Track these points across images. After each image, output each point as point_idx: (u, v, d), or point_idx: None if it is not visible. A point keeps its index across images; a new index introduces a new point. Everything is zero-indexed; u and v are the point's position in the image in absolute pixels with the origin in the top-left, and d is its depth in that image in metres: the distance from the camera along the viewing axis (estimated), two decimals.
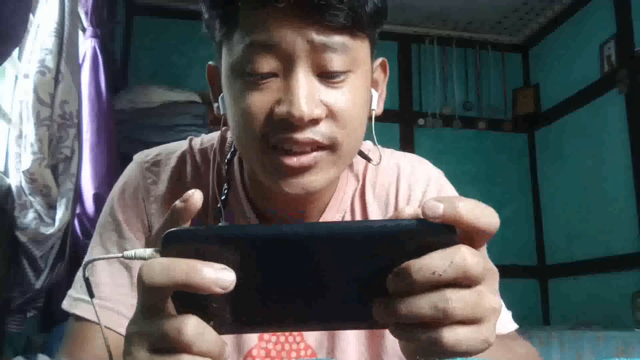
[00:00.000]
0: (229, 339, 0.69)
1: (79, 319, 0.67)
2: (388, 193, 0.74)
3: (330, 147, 0.58)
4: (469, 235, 0.38)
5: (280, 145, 0.57)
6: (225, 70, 0.60)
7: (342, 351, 0.69)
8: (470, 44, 4.13)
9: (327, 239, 0.36)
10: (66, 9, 1.91)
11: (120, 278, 0.67)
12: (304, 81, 0.55)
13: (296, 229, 0.37)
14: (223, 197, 0.69)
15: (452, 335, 0.36)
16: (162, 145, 0.76)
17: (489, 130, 4.03)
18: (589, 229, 3.41)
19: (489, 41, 4.15)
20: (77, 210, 2.12)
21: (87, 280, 0.43)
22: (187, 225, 0.40)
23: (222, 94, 0.64)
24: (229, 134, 0.74)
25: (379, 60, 0.67)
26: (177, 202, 0.39)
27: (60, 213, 1.83)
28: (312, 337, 0.70)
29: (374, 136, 0.67)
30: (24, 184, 1.75)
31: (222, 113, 0.64)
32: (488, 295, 0.38)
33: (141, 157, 0.74)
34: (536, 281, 3.86)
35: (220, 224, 0.68)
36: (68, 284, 0.72)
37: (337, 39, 0.55)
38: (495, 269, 0.40)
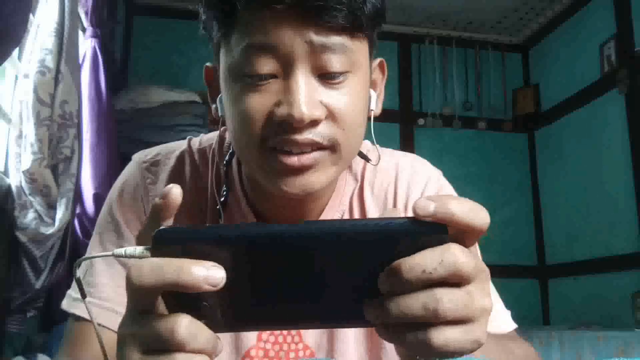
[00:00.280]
0: (227, 339, 0.69)
1: (78, 319, 0.67)
2: (387, 193, 0.74)
3: (330, 147, 0.57)
4: (460, 234, 0.38)
5: (279, 147, 0.57)
6: (224, 71, 0.60)
7: (341, 352, 0.69)
8: (470, 44, 4.13)
9: (318, 238, 0.36)
10: (66, 9, 1.91)
11: (119, 278, 0.67)
12: (304, 82, 0.55)
13: (287, 227, 0.37)
14: (222, 199, 0.69)
15: (441, 335, 0.36)
16: (161, 145, 0.76)
17: (489, 130, 4.03)
18: (589, 229, 3.41)
19: (489, 41, 4.15)
20: (77, 210, 2.12)
21: (78, 280, 0.43)
22: (170, 221, 0.40)
23: (220, 95, 0.63)
24: (227, 135, 0.74)
25: (377, 60, 0.67)
26: (157, 200, 0.39)
27: (60, 213, 1.83)
28: (311, 338, 0.70)
29: (373, 136, 0.66)
30: (24, 184, 1.75)
31: (220, 114, 0.64)
32: (479, 295, 0.38)
33: (140, 156, 0.74)
34: (536, 281, 3.86)
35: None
36: (68, 284, 0.72)
37: (336, 40, 0.55)
38: (487, 269, 0.40)
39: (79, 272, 0.44)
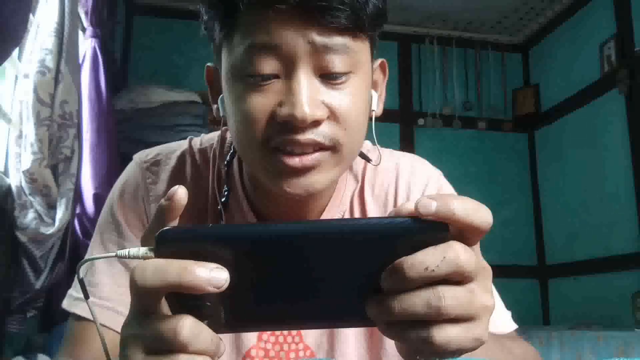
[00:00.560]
0: (228, 339, 0.69)
1: (79, 318, 0.67)
2: (387, 193, 0.74)
3: (332, 148, 0.58)
4: (462, 233, 0.38)
5: (281, 147, 0.57)
6: (226, 72, 0.60)
7: (342, 352, 0.69)
8: (470, 44, 4.13)
9: (321, 237, 0.36)
10: (66, 9, 1.91)
11: (120, 278, 0.67)
12: (306, 82, 0.55)
13: (290, 227, 0.37)
14: (223, 199, 0.69)
15: (443, 333, 0.37)
16: (162, 145, 0.76)
17: (489, 130, 4.03)
18: (589, 229, 3.41)
19: (489, 41, 4.15)
20: (77, 210, 2.12)
21: (81, 282, 0.43)
22: (175, 222, 0.40)
23: (221, 96, 0.63)
24: (228, 134, 0.74)
25: (379, 61, 0.67)
26: (162, 201, 0.39)
27: (60, 213, 1.83)
28: (311, 338, 0.70)
29: (374, 137, 0.67)
30: (24, 184, 1.75)
31: (221, 115, 0.64)
32: (481, 293, 0.38)
33: (141, 156, 0.74)
34: (536, 281, 3.86)
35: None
36: (68, 284, 0.72)
37: (339, 40, 0.55)
38: (489, 268, 0.40)
39: (82, 273, 0.44)
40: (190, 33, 3.42)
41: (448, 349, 0.37)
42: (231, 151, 0.71)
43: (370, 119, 0.65)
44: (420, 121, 3.93)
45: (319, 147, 0.57)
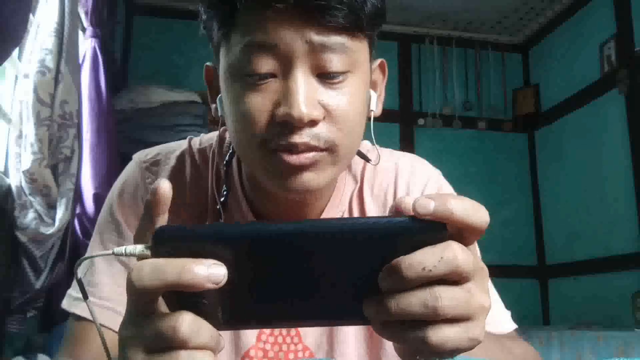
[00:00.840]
0: (227, 339, 0.68)
1: (78, 318, 0.67)
2: (386, 193, 0.74)
3: (328, 149, 0.57)
4: (460, 233, 0.38)
5: (279, 147, 0.57)
6: (224, 71, 0.60)
7: (341, 353, 0.69)
8: (470, 44, 4.13)
9: (318, 236, 0.36)
10: (66, 9, 1.92)
11: (120, 278, 0.67)
12: (303, 82, 0.55)
13: (287, 226, 0.37)
14: (222, 199, 0.69)
15: (440, 333, 0.37)
16: (161, 145, 0.76)
17: (489, 130, 4.03)
18: (589, 229, 3.41)
19: (489, 41, 4.15)
20: (77, 210, 2.12)
21: (80, 281, 0.43)
22: (165, 217, 0.40)
23: (220, 95, 0.63)
24: (227, 134, 0.74)
25: (378, 61, 0.67)
26: (148, 197, 0.39)
27: (60, 213, 1.83)
28: (311, 339, 0.70)
29: (373, 137, 0.66)
30: (24, 184, 1.75)
31: (220, 114, 0.64)
32: (478, 293, 0.38)
33: (140, 156, 0.74)
34: (536, 281, 3.86)
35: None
36: (68, 284, 0.72)
37: (336, 40, 0.55)
38: (486, 268, 0.40)
39: (80, 272, 0.44)
40: (190, 33, 3.41)
41: (444, 349, 0.37)
42: (230, 151, 0.71)
43: (369, 119, 0.65)
44: (420, 121, 3.93)
45: (315, 149, 0.57)
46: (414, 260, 0.36)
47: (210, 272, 0.35)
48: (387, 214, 0.43)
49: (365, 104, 0.62)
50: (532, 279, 3.86)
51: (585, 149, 3.49)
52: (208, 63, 0.67)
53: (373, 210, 0.73)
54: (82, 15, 2.42)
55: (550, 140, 3.88)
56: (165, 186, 0.39)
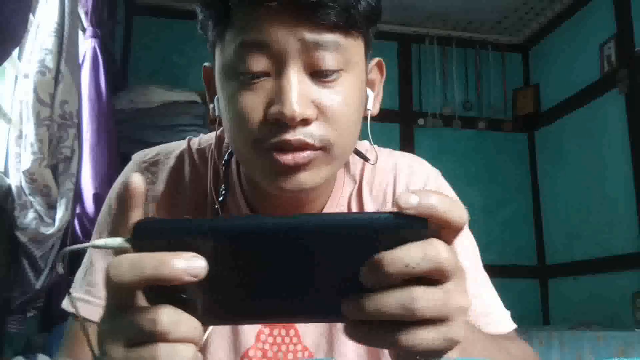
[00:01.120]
0: (226, 339, 0.68)
1: (78, 318, 0.67)
2: (385, 193, 0.74)
3: (323, 148, 0.57)
4: (439, 230, 0.38)
5: (273, 148, 0.56)
6: (218, 70, 0.60)
7: (341, 353, 0.69)
8: (470, 44, 4.13)
9: (299, 232, 0.36)
10: (66, 9, 1.92)
11: None
12: (296, 80, 0.55)
13: (269, 220, 0.36)
14: (220, 199, 0.69)
15: (412, 336, 0.36)
16: (161, 145, 0.76)
17: (489, 130, 4.03)
18: (589, 229, 3.41)
19: (489, 41, 4.15)
20: (77, 210, 2.12)
21: (61, 276, 0.43)
22: (139, 211, 0.40)
23: (217, 96, 0.63)
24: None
25: (375, 60, 0.67)
26: (121, 191, 0.39)
27: (60, 213, 1.83)
28: (310, 339, 0.69)
29: (370, 136, 0.66)
30: (24, 184, 1.75)
31: (217, 114, 0.64)
32: (456, 294, 0.38)
33: (140, 156, 0.74)
34: (536, 281, 3.86)
35: None
36: (68, 284, 0.72)
37: (329, 38, 0.55)
38: (464, 269, 0.40)
39: (60, 267, 0.44)
40: (190, 33, 3.41)
41: (417, 350, 0.37)
42: (229, 151, 0.71)
43: (366, 118, 0.64)
44: (420, 121, 3.93)
45: (309, 147, 0.56)
46: (397, 257, 0.36)
47: (189, 265, 0.35)
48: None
49: (361, 102, 0.61)
50: (532, 279, 3.86)
51: (585, 149, 3.49)
52: (206, 64, 0.68)
53: (372, 210, 0.73)
54: (82, 15, 2.42)
55: (550, 140, 3.88)
56: (136, 180, 0.39)
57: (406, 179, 0.74)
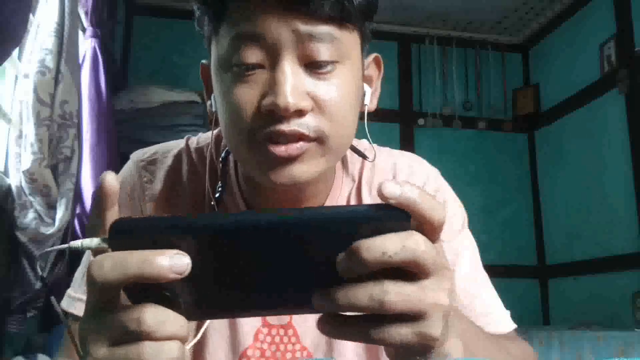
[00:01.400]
0: (224, 339, 0.68)
1: (77, 319, 0.67)
2: None
3: (317, 139, 0.57)
4: (419, 228, 0.38)
5: (267, 139, 0.56)
6: (214, 64, 0.60)
7: (340, 352, 0.69)
8: (470, 44, 4.13)
9: (279, 226, 0.36)
10: (66, 9, 1.92)
11: None
12: (290, 72, 0.55)
13: (248, 216, 0.36)
14: (217, 196, 0.69)
15: (383, 331, 0.37)
16: (159, 144, 0.76)
17: (489, 130, 4.03)
18: (589, 229, 3.41)
19: (489, 41, 4.15)
20: (77, 210, 2.11)
21: (42, 278, 0.43)
22: (115, 210, 0.39)
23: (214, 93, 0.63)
24: None
25: (373, 55, 0.66)
26: (95, 191, 0.39)
27: (60, 213, 1.83)
28: (309, 339, 0.69)
29: (367, 133, 0.65)
30: (24, 184, 1.75)
31: (214, 111, 0.63)
32: (433, 291, 0.37)
33: (138, 155, 0.74)
34: (536, 281, 3.86)
35: None
36: (68, 284, 0.72)
37: (323, 29, 0.55)
38: (450, 269, 0.39)
39: (40, 269, 0.44)
40: (190, 33, 3.40)
41: (388, 344, 0.37)
42: (227, 148, 0.71)
43: (363, 113, 0.64)
44: (420, 121, 3.93)
45: (303, 138, 0.56)
46: (375, 244, 0.35)
47: (173, 262, 0.35)
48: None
49: (357, 96, 0.61)
50: (532, 279, 3.86)
51: (585, 149, 3.49)
52: (204, 61, 0.67)
53: None
54: (82, 15, 2.42)
55: (550, 140, 3.88)
56: (110, 179, 0.38)
57: (405, 178, 0.74)
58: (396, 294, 0.36)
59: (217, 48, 0.59)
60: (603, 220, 3.29)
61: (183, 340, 0.37)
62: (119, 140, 2.50)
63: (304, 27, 0.54)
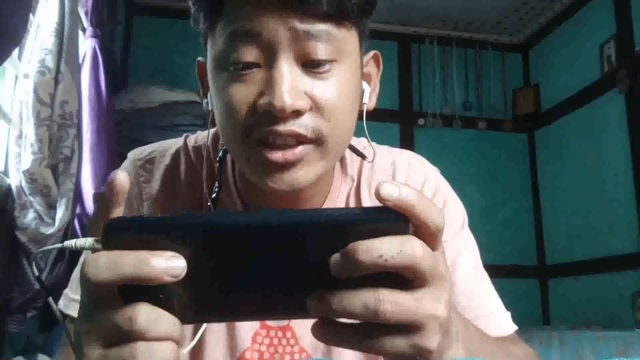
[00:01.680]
0: (222, 341, 0.68)
1: (74, 319, 0.67)
2: None
3: (316, 140, 0.56)
4: (418, 232, 0.37)
5: (264, 139, 0.55)
6: (210, 62, 0.59)
7: (339, 355, 0.68)
8: (470, 44, 4.13)
9: (277, 228, 0.35)
10: (66, 9, 1.91)
11: None
12: (287, 71, 0.54)
13: (244, 217, 0.35)
14: (214, 195, 0.68)
15: (377, 340, 0.36)
16: (157, 143, 0.75)
17: (489, 130, 4.03)
18: (589, 229, 3.41)
19: (489, 41, 4.15)
20: (77, 210, 2.11)
21: (38, 278, 0.43)
22: (121, 210, 0.39)
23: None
24: None
25: (371, 53, 0.65)
26: (102, 188, 0.39)
27: (60, 213, 1.83)
28: (307, 341, 0.68)
29: (366, 132, 0.64)
30: (24, 184, 1.75)
31: (210, 109, 0.62)
32: (429, 301, 0.36)
33: (135, 154, 0.73)
34: (536, 281, 3.86)
35: None
36: (68, 284, 0.71)
37: (321, 27, 0.54)
38: (447, 279, 0.38)
39: (36, 268, 0.43)
40: (190, 33, 3.39)
41: (381, 354, 0.36)
42: (224, 147, 0.70)
43: (362, 112, 0.63)
44: (420, 121, 3.93)
45: (301, 139, 0.55)
46: (372, 246, 0.34)
47: (168, 265, 0.34)
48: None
49: (356, 95, 0.60)
50: (532, 279, 3.86)
51: (585, 149, 3.49)
52: (200, 58, 0.66)
53: None
54: (82, 15, 2.42)
55: (550, 140, 3.88)
56: (121, 178, 0.38)
57: (405, 177, 0.73)
58: (391, 303, 0.35)
59: (213, 46, 0.58)
60: (603, 220, 3.29)
61: (177, 341, 0.36)
62: (119, 140, 2.50)
63: (301, 25, 0.53)
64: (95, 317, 0.36)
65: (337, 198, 0.71)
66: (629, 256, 3.07)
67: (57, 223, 1.80)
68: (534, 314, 3.76)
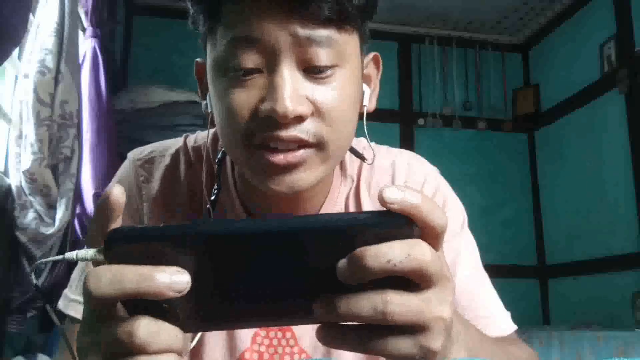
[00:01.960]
0: (221, 342, 0.67)
1: (74, 320, 0.66)
2: None
3: (317, 145, 0.56)
4: (423, 234, 0.37)
5: (265, 143, 0.55)
6: (210, 66, 0.58)
7: (338, 355, 0.68)
8: (470, 44, 4.13)
9: (281, 234, 0.34)
10: (66, 9, 1.91)
11: None
12: (288, 77, 0.53)
13: (247, 224, 0.35)
14: (213, 197, 0.67)
15: (384, 342, 0.36)
16: (157, 143, 0.75)
17: (489, 130, 4.03)
18: (589, 229, 3.41)
19: (489, 41, 4.15)
20: (77, 210, 2.11)
21: (37, 286, 0.42)
22: (118, 222, 0.38)
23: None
24: None
25: (371, 54, 0.65)
26: (99, 202, 0.38)
27: (60, 213, 1.83)
28: (307, 342, 0.68)
29: (366, 133, 0.64)
30: (24, 184, 1.75)
31: (209, 111, 0.62)
32: (436, 303, 0.36)
33: (135, 154, 0.73)
34: (536, 281, 3.86)
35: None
36: (67, 284, 0.71)
37: (322, 33, 0.53)
38: (452, 280, 0.38)
39: (34, 277, 0.43)
40: (190, 33, 3.39)
41: (387, 355, 0.36)
42: (223, 148, 0.69)
43: (362, 114, 0.63)
44: (420, 121, 3.93)
45: (303, 144, 0.55)
46: (380, 251, 0.34)
47: (172, 280, 0.34)
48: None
49: (356, 99, 0.60)
50: (532, 279, 3.86)
51: (585, 149, 3.49)
52: (198, 59, 0.66)
53: (370, 209, 0.72)
54: (82, 15, 2.42)
55: (550, 140, 3.88)
56: (116, 192, 0.37)
57: (404, 177, 0.73)
58: (399, 304, 0.35)
59: (213, 50, 0.57)
60: (603, 220, 3.29)
61: (179, 353, 0.36)
62: (118, 140, 2.50)
63: (302, 31, 0.53)
64: (97, 330, 0.36)
65: (337, 199, 0.71)
66: (629, 256, 3.07)
67: (57, 223, 1.80)
68: (534, 314, 3.76)
